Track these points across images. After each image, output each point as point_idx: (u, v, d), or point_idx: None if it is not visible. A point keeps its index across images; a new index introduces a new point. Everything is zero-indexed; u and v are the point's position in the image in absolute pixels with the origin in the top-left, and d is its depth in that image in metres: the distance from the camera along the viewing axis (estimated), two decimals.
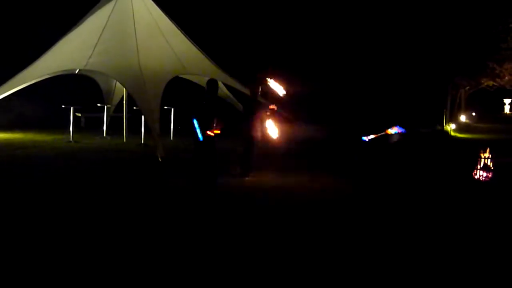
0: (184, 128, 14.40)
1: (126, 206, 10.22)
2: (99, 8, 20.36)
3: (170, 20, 20.81)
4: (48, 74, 19.83)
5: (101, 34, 19.59)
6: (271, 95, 14.00)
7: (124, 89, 20.28)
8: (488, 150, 14.12)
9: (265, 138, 13.59)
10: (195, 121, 10.76)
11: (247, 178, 13.37)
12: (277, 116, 13.63)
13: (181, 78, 21.27)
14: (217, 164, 11.01)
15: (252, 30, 34.16)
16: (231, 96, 22.81)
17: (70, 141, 19.98)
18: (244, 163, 13.68)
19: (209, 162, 10.80)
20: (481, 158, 14.03)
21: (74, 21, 20.65)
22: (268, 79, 13.75)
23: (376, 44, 32.44)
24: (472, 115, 45.93)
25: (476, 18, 31.70)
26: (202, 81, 22.23)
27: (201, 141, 10.65)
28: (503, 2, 31.86)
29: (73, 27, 20.37)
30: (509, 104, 57.67)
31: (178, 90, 23.03)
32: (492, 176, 13.90)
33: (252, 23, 34.33)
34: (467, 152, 17.04)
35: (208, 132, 10.64)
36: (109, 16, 19.93)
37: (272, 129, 13.24)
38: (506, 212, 10.73)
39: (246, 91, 21.35)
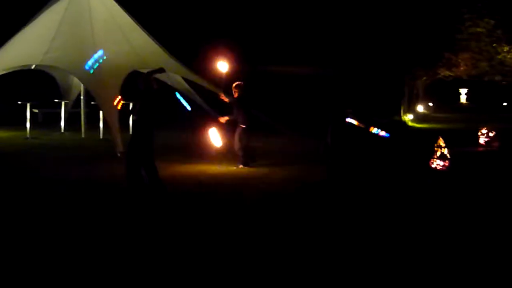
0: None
1: (85, 203, 10.17)
2: (55, 2, 20.07)
3: (127, 14, 20.62)
4: (3, 70, 19.52)
5: (57, 29, 19.32)
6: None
7: (82, 84, 20.09)
8: (445, 140, 14.33)
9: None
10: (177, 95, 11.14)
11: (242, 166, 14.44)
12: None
13: (140, 72, 21.12)
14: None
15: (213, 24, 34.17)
16: (191, 90, 22.72)
17: (28, 138, 19.73)
18: (243, 153, 14.51)
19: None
20: (438, 147, 14.23)
21: (29, 16, 20.34)
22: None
23: (332, 35, 32.52)
24: (429, 105, 46.55)
25: (432, 9, 32.09)
26: (161, 74, 22.14)
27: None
28: None
29: (28, 22, 20.06)
30: (465, 94, 58.54)
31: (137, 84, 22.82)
32: (449, 165, 14.14)
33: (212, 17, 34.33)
34: (424, 142, 17.30)
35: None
36: (65, 10, 19.65)
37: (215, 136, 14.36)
38: (460, 197, 11.02)
39: (206, 84, 21.34)
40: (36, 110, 22.21)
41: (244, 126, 14.37)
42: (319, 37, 32.58)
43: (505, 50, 33.31)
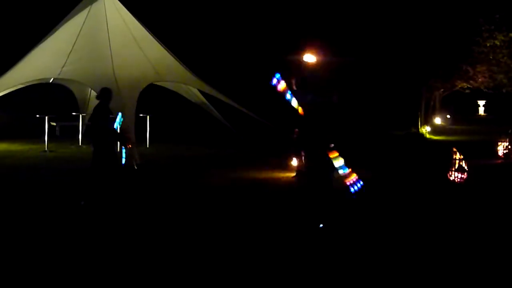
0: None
1: (100, 215, 10.20)
2: (72, 16, 20.25)
3: (144, 27, 20.76)
4: (22, 84, 19.73)
5: (75, 42, 19.52)
6: None
7: None
8: (463, 152, 14.18)
9: None
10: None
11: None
12: None
13: (156, 85, 21.23)
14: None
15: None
16: (207, 103, 22.80)
17: (45, 151, 19.80)
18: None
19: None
20: (455, 160, 14.08)
21: (48, 30, 20.53)
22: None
23: (350, 48, 32.41)
24: (447, 117, 46.21)
25: (449, 21, 31.93)
26: (177, 87, 22.28)
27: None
28: (475, 5, 32.13)
29: (46, 36, 20.25)
30: (483, 105, 58.06)
31: (153, 97, 22.99)
32: (467, 178, 13.99)
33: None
34: (442, 154, 17.17)
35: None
36: (83, 24, 19.85)
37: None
38: (478, 211, 10.92)
39: (222, 97, 21.38)
40: (53, 123, 22.33)
41: None
42: (333, 47, 32.49)
43: None
